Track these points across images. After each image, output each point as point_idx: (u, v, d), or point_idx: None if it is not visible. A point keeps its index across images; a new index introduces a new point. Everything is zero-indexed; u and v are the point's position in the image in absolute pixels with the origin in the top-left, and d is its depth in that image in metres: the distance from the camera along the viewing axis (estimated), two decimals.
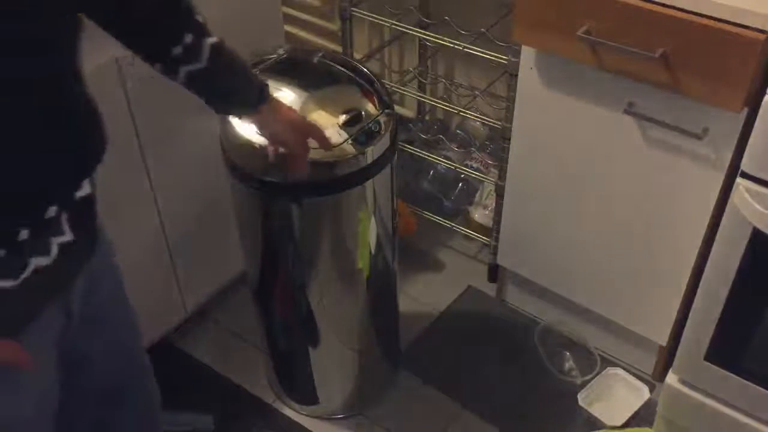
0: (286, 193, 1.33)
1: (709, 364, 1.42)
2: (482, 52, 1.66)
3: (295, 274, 1.46)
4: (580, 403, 1.71)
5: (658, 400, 1.58)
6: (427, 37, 1.81)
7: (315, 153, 1.26)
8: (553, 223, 1.69)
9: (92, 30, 1.34)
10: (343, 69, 1.39)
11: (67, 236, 0.84)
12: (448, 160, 1.94)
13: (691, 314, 1.42)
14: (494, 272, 1.94)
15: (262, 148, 1.24)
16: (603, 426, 1.67)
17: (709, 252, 1.34)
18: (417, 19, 1.92)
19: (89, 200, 0.90)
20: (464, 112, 1.81)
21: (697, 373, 1.45)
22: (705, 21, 1.21)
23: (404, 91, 2.00)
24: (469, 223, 2.04)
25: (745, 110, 1.27)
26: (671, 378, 1.51)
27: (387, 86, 1.44)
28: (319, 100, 1.32)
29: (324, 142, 1.21)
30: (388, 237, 1.51)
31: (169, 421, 1.69)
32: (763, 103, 1.16)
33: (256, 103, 1.12)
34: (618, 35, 1.30)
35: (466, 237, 2.04)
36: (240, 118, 1.25)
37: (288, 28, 2.17)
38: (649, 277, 1.58)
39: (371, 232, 1.45)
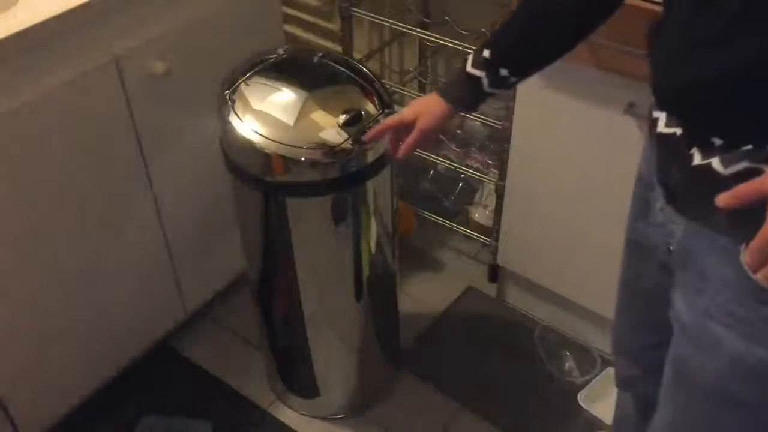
0: (287, 192, 1.33)
1: None
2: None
3: (295, 274, 1.46)
4: (580, 403, 1.71)
5: None
6: (427, 37, 1.81)
7: (314, 154, 1.26)
8: (553, 223, 1.69)
9: (92, 29, 1.34)
10: (343, 69, 1.39)
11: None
12: (448, 160, 1.94)
13: None
14: (494, 272, 1.94)
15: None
16: (603, 426, 1.67)
17: None
18: (417, 19, 1.92)
19: None
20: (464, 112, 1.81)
21: None
22: None
23: (404, 91, 2.00)
24: (469, 223, 2.04)
25: None
26: None
27: (387, 86, 1.44)
28: (319, 100, 1.32)
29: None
30: (388, 237, 1.51)
31: (166, 426, 1.70)
32: None
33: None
34: (618, 35, 1.30)
35: (466, 237, 2.04)
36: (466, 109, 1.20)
37: (288, 28, 2.18)
38: None
39: (371, 232, 1.45)
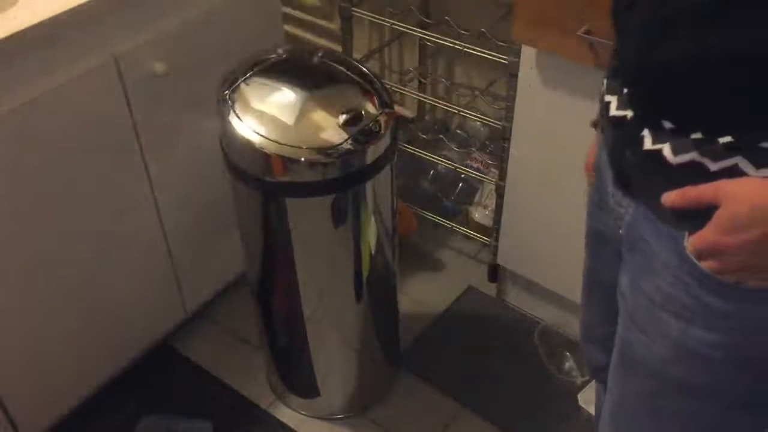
0: (287, 192, 1.33)
1: None
2: (482, 52, 1.66)
3: (295, 274, 1.46)
4: (580, 403, 1.71)
5: None
6: (427, 37, 1.81)
7: (314, 154, 1.26)
8: (553, 223, 1.69)
9: (92, 29, 1.34)
10: (343, 69, 1.39)
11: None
12: (448, 160, 1.94)
13: None
14: (494, 272, 1.94)
15: None
16: None
17: None
18: (417, 19, 1.92)
19: None
20: (464, 112, 1.81)
21: None
22: None
23: (404, 91, 2.00)
24: (469, 223, 2.04)
25: None
26: None
27: (387, 86, 1.44)
28: (319, 100, 1.32)
29: None
30: (388, 237, 1.51)
31: (166, 426, 1.70)
32: None
33: None
34: None
35: (466, 237, 2.04)
36: None
37: (288, 28, 2.18)
38: None
39: (371, 232, 1.45)
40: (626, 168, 0.86)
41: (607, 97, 0.89)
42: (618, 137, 0.86)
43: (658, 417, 0.92)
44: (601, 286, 1.08)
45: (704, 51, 0.72)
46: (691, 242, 0.71)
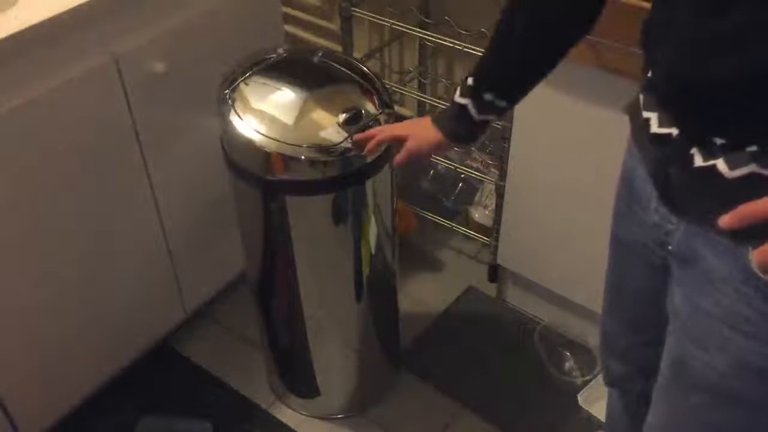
0: (287, 191, 1.33)
1: None
2: (482, 52, 1.66)
3: (295, 273, 1.46)
4: (580, 403, 1.71)
5: None
6: (427, 37, 1.81)
7: (314, 152, 1.26)
8: (553, 223, 1.69)
9: (92, 29, 1.35)
10: (343, 68, 1.39)
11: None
12: (448, 160, 1.94)
13: None
14: (494, 272, 1.94)
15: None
16: (603, 426, 1.67)
17: None
18: (417, 19, 1.92)
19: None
20: None
21: None
22: None
23: (404, 91, 2.00)
24: (469, 223, 2.04)
25: None
26: None
27: (387, 86, 1.44)
28: (319, 100, 1.32)
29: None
30: (388, 237, 1.51)
31: (166, 426, 1.70)
32: None
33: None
34: (618, 35, 1.30)
35: (466, 237, 2.04)
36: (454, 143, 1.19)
37: (288, 28, 2.18)
38: None
39: (371, 232, 1.45)
40: (673, 186, 0.85)
41: (645, 114, 0.87)
42: (662, 155, 0.85)
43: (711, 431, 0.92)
44: (628, 295, 1.08)
45: (757, 65, 0.71)
46: (756, 257, 0.68)
